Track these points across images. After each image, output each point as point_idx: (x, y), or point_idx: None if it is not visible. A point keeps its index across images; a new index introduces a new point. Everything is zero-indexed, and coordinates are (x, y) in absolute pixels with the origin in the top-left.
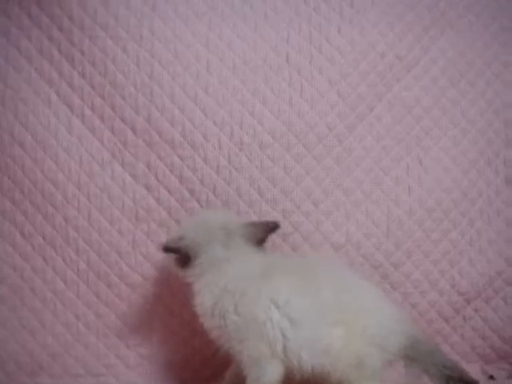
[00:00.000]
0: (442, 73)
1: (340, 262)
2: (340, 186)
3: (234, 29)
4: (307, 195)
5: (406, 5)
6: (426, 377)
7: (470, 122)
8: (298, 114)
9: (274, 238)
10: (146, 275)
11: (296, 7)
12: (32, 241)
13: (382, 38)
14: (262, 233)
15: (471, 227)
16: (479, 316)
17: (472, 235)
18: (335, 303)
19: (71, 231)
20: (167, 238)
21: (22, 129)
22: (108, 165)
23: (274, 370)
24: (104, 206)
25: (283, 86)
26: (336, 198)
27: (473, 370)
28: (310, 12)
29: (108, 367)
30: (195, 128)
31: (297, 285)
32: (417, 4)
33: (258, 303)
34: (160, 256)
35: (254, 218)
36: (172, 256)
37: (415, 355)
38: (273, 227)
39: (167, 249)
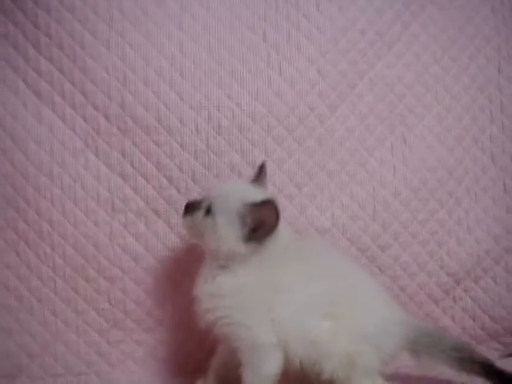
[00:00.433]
0: (424, 49)
1: (342, 250)
2: (323, 168)
3: (208, 8)
4: (290, 178)
5: None
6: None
7: (454, 98)
8: (278, 94)
9: None
10: (124, 268)
11: None
12: (4, 236)
13: (361, 14)
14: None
15: (458, 206)
16: (469, 296)
17: (459, 214)
18: (326, 295)
19: (45, 225)
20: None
21: None
22: (81, 154)
23: (276, 360)
24: (78, 197)
25: (261, 66)
26: (320, 181)
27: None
28: None
29: (89, 365)
30: (171, 112)
31: (300, 272)
32: None
33: (274, 288)
34: (138, 247)
35: None
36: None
37: (420, 348)
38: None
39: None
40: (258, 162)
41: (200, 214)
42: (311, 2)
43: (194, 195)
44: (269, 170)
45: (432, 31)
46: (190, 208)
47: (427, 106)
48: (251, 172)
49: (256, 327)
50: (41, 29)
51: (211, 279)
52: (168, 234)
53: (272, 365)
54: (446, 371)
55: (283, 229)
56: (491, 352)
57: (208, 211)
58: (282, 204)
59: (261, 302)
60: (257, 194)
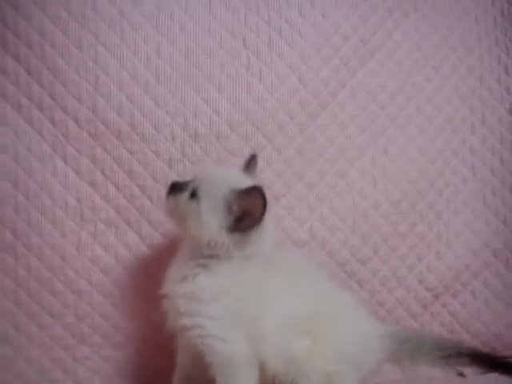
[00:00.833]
0: (407, 57)
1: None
2: (302, 178)
3: (187, 9)
4: (268, 189)
5: None
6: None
7: (436, 108)
8: (257, 101)
9: None
10: (93, 281)
11: None
12: None
13: (345, 20)
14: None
15: (438, 219)
16: (447, 311)
17: (439, 228)
18: (307, 311)
19: (8, 235)
20: None
21: None
22: (48, 160)
23: (251, 377)
24: (45, 206)
25: (240, 71)
26: (298, 192)
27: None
28: None
29: (53, 383)
30: (145, 118)
31: (283, 285)
32: None
33: (258, 297)
34: (108, 259)
35: None
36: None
37: (402, 356)
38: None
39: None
40: None
41: (185, 196)
42: (293, 6)
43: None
44: None
45: (415, 39)
46: (175, 189)
47: (409, 117)
48: None
49: (233, 342)
50: (8, 26)
51: (191, 278)
52: (139, 246)
53: (248, 382)
54: (433, 373)
55: (268, 225)
56: (469, 368)
57: (193, 194)
58: None
59: (242, 313)
60: (245, 181)
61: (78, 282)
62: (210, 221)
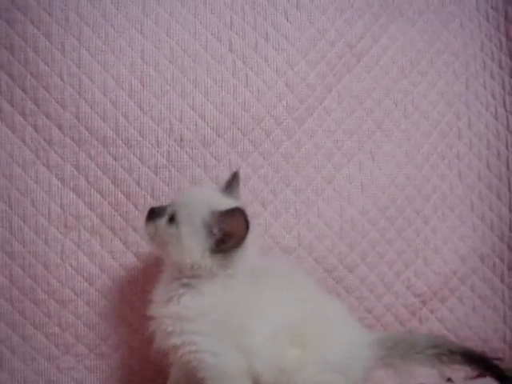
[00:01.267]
0: (393, 62)
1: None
2: (289, 184)
3: (172, 13)
4: (254, 195)
5: None
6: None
7: (423, 114)
8: (243, 106)
9: None
10: (77, 290)
11: None
12: None
13: (331, 24)
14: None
15: (426, 225)
16: (435, 317)
17: (427, 233)
18: (296, 321)
19: None
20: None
21: None
22: (31, 166)
23: None
24: (27, 214)
25: (226, 76)
26: (285, 198)
27: (431, 372)
28: None
29: None
30: (130, 123)
31: (273, 298)
32: None
33: (245, 312)
34: (92, 268)
35: None
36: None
37: (394, 359)
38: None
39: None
40: (222, 178)
41: (163, 221)
42: (279, 10)
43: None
44: None
45: (401, 44)
46: (153, 214)
47: (396, 122)
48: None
49: (225, 355)
50: None
51: (176, 299)
52: (125, 253)
53: None
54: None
55: (252, 242)
56: (456, 372)
57: (172, 219)
58: None
59: (230, 327)
60: (224, 202)
61: (61, 291)
62: (191, 245)
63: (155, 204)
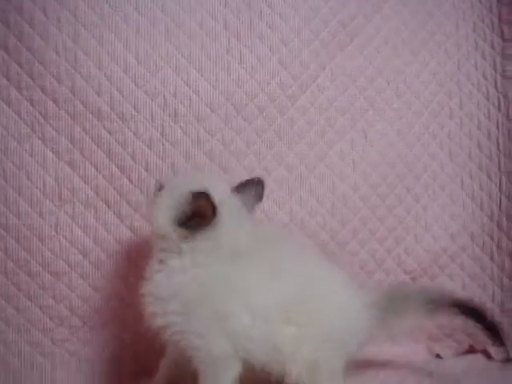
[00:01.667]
0: (386, 41)
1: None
2: (282, 161)
3: None
4: (248, 172)
5: None
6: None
7: (415, 93)
8: (237, 83)
9: None
10: (71, 262)
11: None
12: None
13: (324, 3)
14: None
15: (416, 203)
16: None
17: (418, 211)
18: (289, 296)
19: None
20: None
21: None
22: (26, 140)
23: (234, 371)
24: (22, 186)
25: (221, 52)
26: (278, 175)
27: (419, 349)
28: None
29: (32, 367)
30: (124, 98)
31: (263, 274)
32: None
33: (225, 292)
34: (86, 240)
35: None
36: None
37: (388, 316)
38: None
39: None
40: (215, 153)
41: (155, 190)
42: None
43: (147, 186)
44: (227, 162)
45: (394, 24)
46: (156, 185)
47: (388, 100)
48: (207, 163)
49: (209, 336)
50: None
51: (151, 277)
52: (118, 227)
53: (230, 376)
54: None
55: (231, 223)
56: (445, 350)
57: (160, 190)
58: None
59: (209, 309)
60: (203, 185)
61: (55, 264)
62: (163, 213)
63: (148, 177)
